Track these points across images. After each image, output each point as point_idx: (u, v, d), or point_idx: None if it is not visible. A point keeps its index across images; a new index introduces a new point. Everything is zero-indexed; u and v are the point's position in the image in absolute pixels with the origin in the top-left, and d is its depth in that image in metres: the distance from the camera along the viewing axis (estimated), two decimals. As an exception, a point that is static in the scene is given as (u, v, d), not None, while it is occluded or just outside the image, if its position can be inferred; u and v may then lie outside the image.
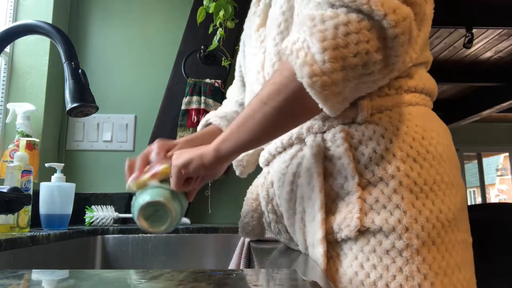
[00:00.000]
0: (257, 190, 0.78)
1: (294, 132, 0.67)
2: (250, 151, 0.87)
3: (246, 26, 0.91)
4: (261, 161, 0.78)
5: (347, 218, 0.59)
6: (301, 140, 0.67)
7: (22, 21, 0.90)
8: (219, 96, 1.72)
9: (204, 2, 1.59)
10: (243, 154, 0.86)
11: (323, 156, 0.63)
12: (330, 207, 0.61)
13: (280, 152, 0.71)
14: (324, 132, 0.64)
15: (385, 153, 0.59)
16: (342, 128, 0.62)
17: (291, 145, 0.69)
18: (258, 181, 0.79)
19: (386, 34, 0.49)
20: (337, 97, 0.53)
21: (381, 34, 0.49)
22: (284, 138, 0.69)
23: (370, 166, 0.59)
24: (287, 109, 0.57)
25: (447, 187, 0.60)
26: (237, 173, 0.88)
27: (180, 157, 0.66)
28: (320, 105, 0.53)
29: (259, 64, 0.76)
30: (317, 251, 0.59)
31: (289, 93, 0.56)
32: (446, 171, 0.61)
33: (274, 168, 0.71)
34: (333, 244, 0.60)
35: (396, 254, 0.56)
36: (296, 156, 0.66)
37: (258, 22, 0.81)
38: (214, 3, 1.56)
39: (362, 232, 0.58)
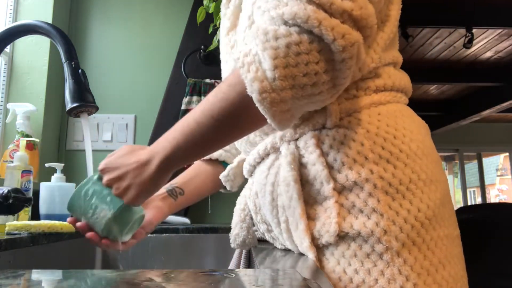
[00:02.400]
0: (245, 200, 0.79)
1: (268, 142, 0.67)
2: (235, 164, 0.87)
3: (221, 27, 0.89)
4: (245, 173, 0.78)
5: (325, 223, 0.59)
6: (276, 149, 0.67)
7: (22, 21, 0.90)
8: (219, 96, 1.71)
9: (204, 2, 1.59)
10: (228, 169, 0.86)
11: (299, 164, 0.63)
12: (309, 214, 0.61)
13: (259, 163, 0.71)
14: (297, 139, 0.64)
15: (357, 157, 0.59)
16: (313, 134, 0.62)
17: (267, 154, 0.69)
18: (245, 192, 0.79)
19: (334, 57, 0.50)
20: (285, 114, 0.53)
21: (330, 56, 0.50)
22: (260, 148, 0.69)
23: (343, 171, 0.59)
24: (238, 123, 0.59)
25: (425, 184, 0.60)
26: (228, 188, 0.88)
27: (122, 186, 0.64)
28: (268, 120, 0.54)
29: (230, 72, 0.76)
30: (310, 258, 0.60)
31: (242, 108, 0.56)
32: (422, 168, 0.60)
33: (256, 179, 0.71)
34: (316, 250, 0.60)
35: (376, 258, 0.56)
36: (273, 166, 0.66)
37: (228, 26, 0.79)
38: (214, 3, 1.56)
39: (342, 237, 0.58)
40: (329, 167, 0.60)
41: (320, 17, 0.49)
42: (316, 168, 0.61)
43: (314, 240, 0.60)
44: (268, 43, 0.50)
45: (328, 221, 0.59)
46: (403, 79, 0.69)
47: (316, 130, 0.63)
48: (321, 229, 0.59)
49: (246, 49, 0.54)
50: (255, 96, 0.52)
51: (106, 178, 0.66)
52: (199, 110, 0.59)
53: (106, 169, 0.66)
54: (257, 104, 0.52)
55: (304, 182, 0.62)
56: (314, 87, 0.51)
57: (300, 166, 0.63)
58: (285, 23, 0.50)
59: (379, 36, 0.64)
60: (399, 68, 0.72)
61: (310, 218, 0.61)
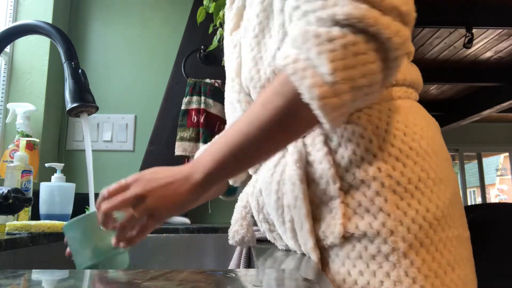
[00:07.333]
0: (247, 197, 0.77)
1: None
2: None
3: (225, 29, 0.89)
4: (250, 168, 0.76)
5: (330, 224, 0.58)
6: None
7: (22, 21, 0.90)
8: (219, 96, 1.72)
9: (204, 2, 1.59)
10: None
11: (305, 162, 0.61)
12: (315, 214, 0.60)
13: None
14: (305, 136, 0.62)
15: (365, 154, 0.57)
16: (321, 131, 0.60)
17: None
18: (248, 189, 0.78)
19: (388, 55, 0.49)
20: (342, 116, 0.51)
21: (384, 55, 0.49)
22: None
23: (351, 169, 0.58)
24: (288, 130, 0.55)
25: (434, 184, 0.58)
26: (230, 182, 0.87)
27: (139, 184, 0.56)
28: (325, 125, 0.51)
29: (233, 71, 0.74)
30: (312, 259, 0.59)
31: (292, 115, 0.53)
32: (432, 166, 0.59)
33: (261, 176, 0.70)
34: (321, 251, 0.60)
35: (382, 259, 0.54)
36: (279, 164, 0.65)
37: (231, 26, 0.79)
38: (214, 3, 1.56)
39: (347, 238, 0.57)
40: (336, 165, 0.59)
41: (375, 15, 0.47)
42: (322, 167, 0.59)
43: (319, 241, 0.59)
44: (323, 46, 0.47)
45: (333, 222, 0.58)
46: (414, 73, 0.67)
47: None
48: (326, 230, 0.58)
49: (292, 55, 0.50)
50: (315, 103, 0.48)
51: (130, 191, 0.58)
52: (245, 121, 0.55)
53: (135, 181, 0.58)
54: (318, 110, 0.49)
55: (310, 181, 0.61)
56: (370, 87, 0.49)
57: (306, 165, 0.61)
58: (337, 23, 0.48)
59: None
60: (410, 61, 0.69)
61: (315, 218, 0.60)
